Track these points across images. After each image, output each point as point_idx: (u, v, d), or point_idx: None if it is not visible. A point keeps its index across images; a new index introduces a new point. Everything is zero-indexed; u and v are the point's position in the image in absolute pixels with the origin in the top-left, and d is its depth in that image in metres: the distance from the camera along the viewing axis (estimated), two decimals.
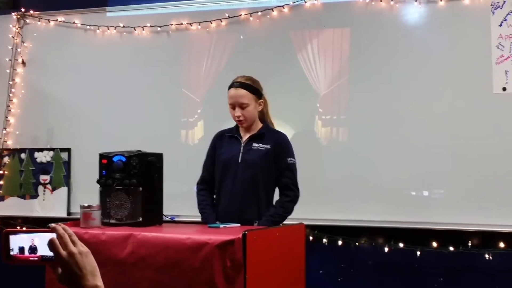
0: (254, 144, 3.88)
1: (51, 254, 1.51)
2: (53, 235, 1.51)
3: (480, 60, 4.82)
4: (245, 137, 3.94)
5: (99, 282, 1.51)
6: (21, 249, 1.56)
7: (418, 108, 4.95)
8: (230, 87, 3.93)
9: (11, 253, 1.56)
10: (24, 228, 2.09)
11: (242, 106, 3.85)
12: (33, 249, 1.56)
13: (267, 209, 3.85)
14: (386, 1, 5.04)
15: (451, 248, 4.79)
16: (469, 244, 4.77)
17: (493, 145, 4.77)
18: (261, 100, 3.95)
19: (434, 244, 4.82)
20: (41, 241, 1.55)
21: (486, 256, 4.71)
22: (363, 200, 5.02)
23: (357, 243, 5.02)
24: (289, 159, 3.87)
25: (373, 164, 5.03)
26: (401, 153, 4.97)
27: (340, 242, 5.04)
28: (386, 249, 4.93)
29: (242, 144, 3.91)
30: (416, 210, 4.90)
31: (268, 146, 3.86)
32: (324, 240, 5.06)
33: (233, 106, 3.88)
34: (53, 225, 1.53)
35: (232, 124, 4.06)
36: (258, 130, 3.93)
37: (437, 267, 4.87)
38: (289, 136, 4.18)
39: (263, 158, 3.84)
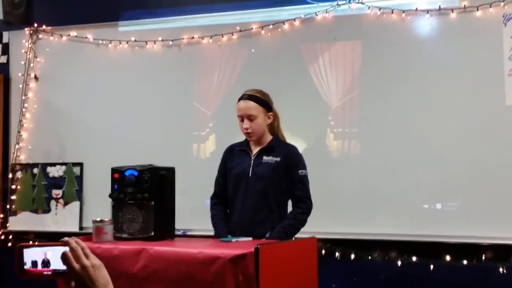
0: (264, 157, 3.89)
1: (64, 267, 1.52)
2: (66, 249, 1.52)
3: (492, 72, 4.82)
4: (255, 150, 3.94)
5: None
6: (34, 263, 1.57)
7: (431, 121, 4.95)
8: (239, 99, 3.95)
9: (25, 267, 1.57)
10: (37, 243, 2.10)
11: (251, 118, 3.85)
12: (46, 263, 1.57)
13: (280, 221, 3.85)
14: (397, 13, 5.05)
15: (465, 262, 4.76)
16: (483, 257, 4.74)
17: (506, 157, 4.75)
18: (271, 113, 3.94)
19: (448, 257, 4.80)
20: (54, 255, 1.56)
21: (500, 269, 4.68)
22: (376, 213, 5.00)
23: (369, 257, 5.00)
24: (300, 171, 3.87)
25: (385, 177, 5.02)
26: (413, 166, 4.96)
27: (352, 256, 5.03)
28: (399, 263, 4.91)
29: (252, 158, 3.92)
30: (429, 223, 4.88)
31: (278, 159, 3.86)
32: (337, 254, 5.04)
33: (242, 118, 3.89)
34: (66, 238, 1.54)
35: (242, 137, 4.07)
36: (268, 143, 3.93)
37: (450, 281, 4.84)
38: (301, 149, 4.19)
39: (273, 171, 3.85)
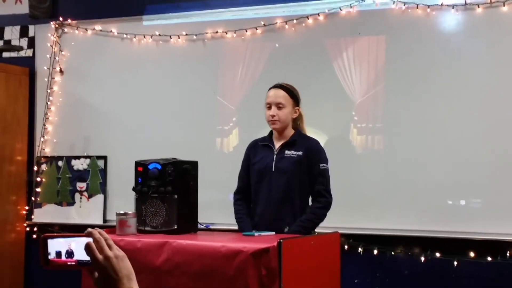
0: (287, 152, 3.90)
1: (87, 258, 1.53)
2: (90, 240, 1.53)
3: None
4: (277, 145, 3.95)
5: (135, 286, 1.52)
6: (58, 254, 1.58)
7: (456, 117, 4.91)
8: (270, 88, 3.97)
9: (49, 257, 1.58)
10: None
11: (279, 106, 3.88)
12: (69, 254, 1.58)
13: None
14: (422, 8, 5.01)
15: (489, 258, 4.73)
16: (508, 254, 4.70)
17: None
18: (298, 108, 3.97)
19: (472, 254, 4.77)
20: (77, 246, 1.57)
21: None
22: (399, 209, 4.98)
23: (392, 253, 4.98)
24: (321, 165, 3.87)
25: (409, 173, 4.99)
26: (437, 162, 4.92)
27: (375, 251, 5.01)
28: (423, 259, 4.88)
29: (275, 152, 3.92)
30: (453, 219, 4.85)
31: (300, 153, 3.87)
32: (360, 249, 5.03)
33: (269, 106, 3.91)
34: (89, 230, 1.55)
35: (266, 132, 4.07)
36: (290, 137, 3.94)
37: (474, 278, 4.81)
38: (324, 144, 4.19)
39: (296, 165, 3.85)
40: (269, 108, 3.91)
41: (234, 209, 4.04)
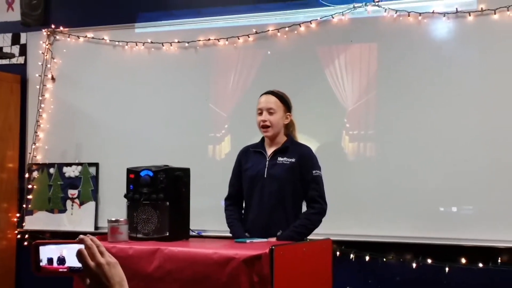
0: (279, 158, 3.90)
1: (79, 265, 1.53)
2: (81, 246, 1.53)
3: (510, 75, 4.79)
4: (269, 151, 3.95)
5: None
6: (50, 260, 1.58)
7: (447, 123, 4.93)
8: (261, 95, 3.99)
9: (41, 264, 1.58)
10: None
11: (270, 112, 3.89)
12: (61, 260, 1.58)
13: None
14: (414, 16, 5.03)
15: (480, 265, 4.74)
16: (499, 260, 4.71)
17: None
18: (289, 114, 3.97)
19: (463, 260, 4.78)
20: (69, 252, 1.57)
21: None
22: (391, 216, 4.99)
23: (384, 259, 4.99)
24: (314, 172, 3.88)
25: (401, 180, 5.00)
26: (429, 169, 4.94)
27: (367, 258, 5.02)
28: (414, 265, 4.89)
29: (267, 159, 3.93)
30: (444, 226, 4.86)
31: (293, 160, 3.88)
32: (351, 256, 5.04)
33: (260, 112, 3.92)
34: (81, 236, 1.55)
35: (258, 139, 4.08)
36: (282, 144, 3.95)
37: (466, 284, 4.82)
38: (316, 151, 4.19)
39: (288, 171, 3.86)
40: (260, 114, 3.92)
41: (225, 214, 4.05)
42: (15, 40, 6.38)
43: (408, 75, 5.05)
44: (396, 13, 5.07)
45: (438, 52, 5.00)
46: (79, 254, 1.52)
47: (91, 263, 1.51)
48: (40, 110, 6.13)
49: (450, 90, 4.94)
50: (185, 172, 3.57)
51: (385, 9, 5.10)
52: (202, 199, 4.91)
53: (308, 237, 3.92)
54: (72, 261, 1.56)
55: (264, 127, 3.91)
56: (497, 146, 4.80)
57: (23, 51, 6.34)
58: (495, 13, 4.82)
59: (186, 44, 5.70)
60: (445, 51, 4.99)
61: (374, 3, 5.14)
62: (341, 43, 5.26)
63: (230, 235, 3.95)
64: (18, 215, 6.13)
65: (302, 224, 3.82)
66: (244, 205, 4.04)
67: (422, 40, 5.05)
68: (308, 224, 3.84)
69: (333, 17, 5.25)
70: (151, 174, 3.45)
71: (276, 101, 3.93)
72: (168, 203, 3.42)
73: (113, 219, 3.38)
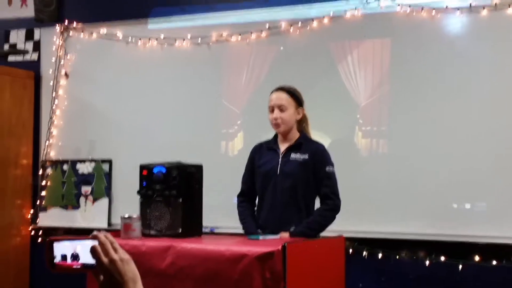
0: (292, 155, 3.90)
1: (93, 261, 1.54)
2: (95, 243, 1.54)
3: None
4: (283, 148, 3.96)
5: None
6: (64, 257, 1.59)
7: (460, 119, 4.91)
8: (272, 91, 3.99)
9: (55, 261, 1.59)
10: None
11: (281, 109, 3.89)
12: (75, 257, 1.59)
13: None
14: (427, 11, 5.02)
15: (494, 262, 4.73)
16: None
17: None
18: (301, 109, 3.97)
19: (477, 258, 4.77)
20: (83, 249, 1.58)
21: None
22: (404, 213, 4.99)
23: (397, 256, 4.98)
24: (327, 168, 3.88)
25: (414, 176, 5.00)
26: (443, 165, 4.93)
27: (380, 255, 5.02)
28: (427, 263, 4.89)
29: (280, 155, 3.93)
30: (458, 223, 4.85)
31: (306, 156, 3.88)
32: (364, 253, 5.04)
33: (272, 109, 3.92)
34: (95, 233, 1.56)
35: (271, 135, 4.09)
36: (295, 140, 3.95)
37: (480, 282, 4.81)
38: (329, 147, 4.19)
39: (301, 168, 3.86)
40: (272, 111, 3.93)
41: (238, 211, 4.06)
42: (29, 36, 6.42)
43: (421, 71, 5.04)
44: (409, 8, 5.05)
45: (452, 47, 4.99)
46: (93, 251, 1.53)
47: (105, 260, 1.52)
48: (54, 106, 6.17)
49: (464, 86, 4.92)
50: (198, 168, 3.58)
51: (399, 4, 5.09)
52: (215, 195, 4.93)
53: (321, 234, 3.93)
54: (86, 258, 1.57)
55: (276, 124, 3.92)
56: (511, 142, 4.78)
57: (36, 47, 6.37)
58: (509, 7, 4.80)
59: (199, 40, 5.71)
60: (459, 46, 4.98)
61: None
62: (354, 39, 5.25)
63: (243, 231, 3.97)
64: (32, 211, 6.17)
65: (315, 220, 3.82)
66: (257, 202, 4.06)
67: (435, 35, 5.04)
68: (322, 220, 3.84)
69: (346, 12, 5.25)
70: (164, 170, 3.47)
71: (287, 98, 3.93)
72: (181, 199, 3.44)
73: (126, 215, 3.40)
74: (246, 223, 3.96)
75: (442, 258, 4.85)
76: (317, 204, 3.98)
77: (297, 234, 3.71)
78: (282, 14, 5.47)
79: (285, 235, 3.68)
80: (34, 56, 6.37)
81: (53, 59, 6.20)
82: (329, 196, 3.86)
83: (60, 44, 6.21)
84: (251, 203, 4.06)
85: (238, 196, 4.10)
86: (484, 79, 4.88)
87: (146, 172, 3.52)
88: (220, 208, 5.11)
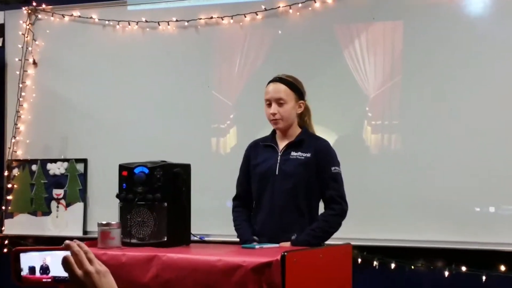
0: (293, 153, 3.89)
1: (65, 274, 1.54)
2: (68, 253, 1.53)
3: None
4: (282, 145, 3.94)
5: None
6: (32, 269, 1.59)
7: (483, 112, 4.91)
8: (268, 82, 3.95)
9: (22, 273, 1.59)
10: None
11: (280, 102, 3.86)
12: (44, 269, 1.59)
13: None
14: None
15: None
16: None
17: None
18: (302, 102, 3.95)
19: (503, 267, 4.78)
20: (53, 260, 1.57)
21: None
22: (419, 217, 4.99)
23: (412, 267, 4.99)
24: (333, 168, 3.86)
25: (431, 176, 5.00)
26: (463, 164, 4.93)
27: (393, 265, 5.02)
28: (447, 274, 4.90)
29: (279, 154, 3.92)
30: (481, 228, 4.86)
31: (308, 155, 3.86)
32: (375, 263, 5.05)
33: (269, 103, 3.90)
34: (67, 242, 1.56)
35: (268, 131, 4.07)
36: (296, 137, 3.93)
37: None
38: (334, 144, 4.19)
39: (303, 168, 3.84)
40: (269, 105, 3.89)
41: (233, 216, 4.04)
42: None
43: (438, 57, 5.04)
44: None
45: (472, 30, 4.99)
46: (65, 262, 1.52)
47: (79, 272, 1.52)
48: (21, 99, 6.15)
49: (486, 74, 4.92)
50: (185, 168, 3.57)
51: None
52: (205, 199, 4.93)
53: (325, 242, 3.92)
54: (57, 270, 1.57)
55: (274, 121, 3.89)
56: None
57: (0, 32, 6.35)
58: None
59: (186, 23, 5.70)
60: (480, 29, 4.98)
61: None
62: (362, 21, 5.25)
63: (237, 240, 3.96)
64: None
65: (320, 227, 3.81)
66: (253, 206, 4.04)
67: (454, 17, 5.04)
68: (327, 227, 3.83)
69: None
70: (146, 171, 3.46)
71: (286, 89, 3.89)
72: (166, 204, 3.43)
73: (104, 222, 3.39)
74: (241, 229, 3.94)
75: (463, 269, 4.86)
76: (321, 208, 3.98)
77: (300, 242, 3.69)
78: None
79: (286, 244, 3.67)
80: None
81: (20, 46, 6.17)
82: (335, 199, 3.85)
83: (27, 28, 6.18)
84: (247, 208, 4.04)
85: (233, 199, 4.09)
86: (510, 66, 4.88)
87: (126, 173, 3.51)
88: (211, 213, 5.12)
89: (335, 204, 3.84)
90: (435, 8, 5.07)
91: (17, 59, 6.20)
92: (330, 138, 4.55)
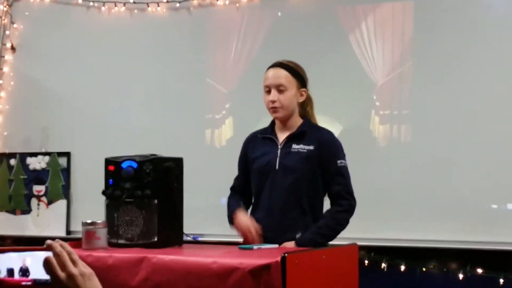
0: (294, 146, 3.88)
1: (46, 277, 1.53)
2: (49, 254, 1.53)
3: None
4: (282, 137, 3.93)
5: None
6: (10, 271, 1.59)
7: (498, 102, 4.92)
8: (268, 68, 3.94)
9: None
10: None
11: (280, 89, 3.85)
12: (24, 271, 1.59)
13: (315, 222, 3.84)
14: None
15: None
16: None
17: None
18: (304, 90, 3.94)
19: None
20: (34, 261, 1.57)
21: None
22: (431, 216, 4.99)
23: (424, 269, 5.00)
24: (339, 162, 3.85)
25: (444, 171, 5.01)
26: (478, 157, 4.93)
27: (402, 267, 5.03)
28: (461, 276, 4.90)
29: (279, 146, 3.91)
30: (498, 227, 4.86)
31: (311, 147, 3.85)
32: (383, 265, 5.05)
33: (268, 90, 3.89)
34: (49, 242, 1.55)
35: (267, 122, 4.06)
36: (297, 128, 3.93)
37: None
38: (339, 136, 4.18)
39: (305, 162, 3.83)
40: (268, 92, 3.89)
41: (227, 202, 4.04)
42: None
43: (450, 42, 5.04)
44: None
45: (488, 13, 4.99)
46: (47, 264, 1.52)
47: (61, 274, 1.52)
48: None
49: (502, 60, 4.92)
50: (177, 162, 3.57)
51: None
52: (199, 196, 4.94)
53: (329, 242, 3.92)
54: (38, 272, 1.57)
55: (273, 109, 3.89)
56: None
57: None
58: None
59: (177, 5, 5.70)
60: (496, 11, 4.98)
61: None
62: (369, 2, 5.25)
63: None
64: None
65: (326, 224, 3.80)
66: (252, 202, 4.04)
67: None
68: (334, 224, 3.81)
69: None
70: (135, 165, 3.46)
71: (287, 76, 3.89)
72: (156, 201, 3.43)
73: (89, 221, 3.39)
74: (230, 205, 3.94)
75: (479, 271, 4.87)
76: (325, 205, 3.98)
77: (305, 241, 3.68)
78: None
79: (289, 245, 3.66)
80: None
81: None
82: (342, 195, 3.84)
83: (4, 10, 6.17)
84: (244, 198, 4.03)
85: (230, 189, 4.08)
86: None
87: (113, 168, 3.51)
88: (205, 211, 5.13)
89: (343, 200, 3.83)
90: None
91: None
92: (335, 129, 4.55)
